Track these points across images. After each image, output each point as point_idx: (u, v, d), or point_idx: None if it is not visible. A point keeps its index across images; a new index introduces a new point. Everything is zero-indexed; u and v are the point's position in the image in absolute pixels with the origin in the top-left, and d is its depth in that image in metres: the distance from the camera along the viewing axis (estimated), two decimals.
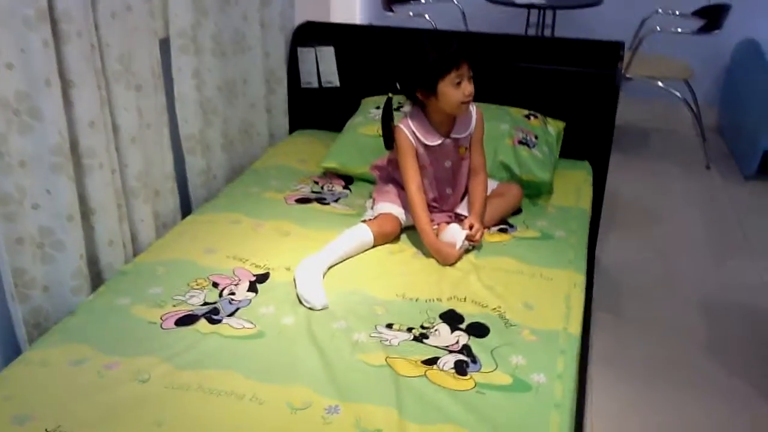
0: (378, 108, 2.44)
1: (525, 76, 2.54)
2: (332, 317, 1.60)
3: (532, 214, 2.14)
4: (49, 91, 1.50)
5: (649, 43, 3.63)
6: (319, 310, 1.63)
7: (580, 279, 1.81)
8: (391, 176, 2.12)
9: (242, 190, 2.25)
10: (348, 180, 2.34)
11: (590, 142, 2.50)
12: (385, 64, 2.66)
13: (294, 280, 1.73)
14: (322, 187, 2.28)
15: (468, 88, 1.90)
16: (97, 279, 1.81)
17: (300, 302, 1.66)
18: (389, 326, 1.58)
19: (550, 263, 1.86)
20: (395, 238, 1.98)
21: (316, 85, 2.77)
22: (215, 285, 1.72)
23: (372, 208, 2.09)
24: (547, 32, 3.94)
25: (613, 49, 2.45)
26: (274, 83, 2.66)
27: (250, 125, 2.57)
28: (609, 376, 2.19)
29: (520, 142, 2.25)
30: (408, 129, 2.00)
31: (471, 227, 1.91)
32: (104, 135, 1.71)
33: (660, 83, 3.65)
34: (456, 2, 4.18)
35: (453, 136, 2.03)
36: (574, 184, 2.34)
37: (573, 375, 1.45)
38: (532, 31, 3.99)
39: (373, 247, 1.92)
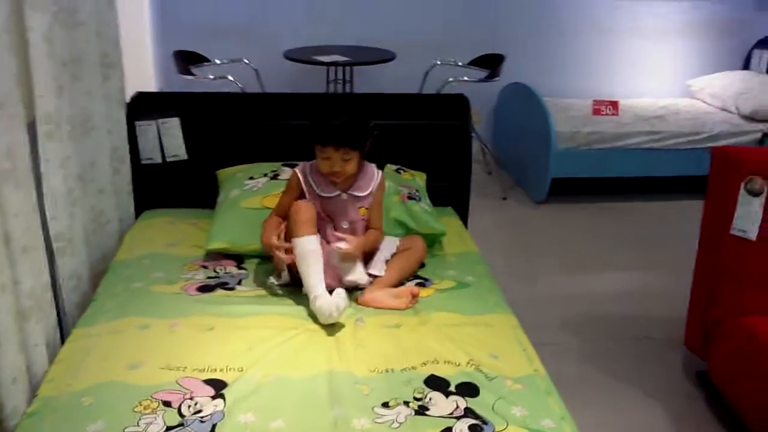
0: (252, 179, 2.32)
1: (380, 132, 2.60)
2: (324, 405, 1.48)
3: (435, 265, 2.20)
4: None
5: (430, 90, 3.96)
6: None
7: (515, 320, 1.90)
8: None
9: (124, 288, 1.96)
10: (238, 259, 2.17)
11: (450, 189, 2.64)
12: (236, 133, 2.54)
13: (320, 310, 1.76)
14: (215, 271, 2.09)
15: (333, 166, 1.94)
16: None
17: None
18: (386, 405, 1.50)
19: (481, 310, 1.92)
20: None
21: (158, 160, 2.53)
22: (167, 404, 1.48)
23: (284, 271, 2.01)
24: (347, 88, 4.08)
25: (461, 102, 2.63)
26: (118, 162, 2.38)
27: (100, 213, 2.25)
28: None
29: (409, 197, 2.30)
30: (302, 173, 2.04)
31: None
32: None
33: None
34: (247, 61, 4.13)
35: (352, 192, 2.02)
36: (452, 231, 2.44)
37: (569, 413, 1.52)
38: (332, 88, 4.10)
39: None
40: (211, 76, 3.75)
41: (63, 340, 1.75)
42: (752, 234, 2.06)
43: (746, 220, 2.07)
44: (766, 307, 2.06)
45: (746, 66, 4.83)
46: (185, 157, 2.54)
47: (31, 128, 1.70)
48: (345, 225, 2.03)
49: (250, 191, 2.26)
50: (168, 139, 2.51)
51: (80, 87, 2.05)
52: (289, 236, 1.94)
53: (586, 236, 3.67)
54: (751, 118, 4.20)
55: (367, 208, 2.07)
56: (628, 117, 4.20)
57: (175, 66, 3.75)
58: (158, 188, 2.56)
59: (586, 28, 4.67)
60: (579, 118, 4.13)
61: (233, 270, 2.10)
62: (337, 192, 2.02)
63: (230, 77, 3.73)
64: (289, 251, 1.89)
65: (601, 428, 2.20)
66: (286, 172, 2.33)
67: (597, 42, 4.71)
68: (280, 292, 1.98)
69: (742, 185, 2.06)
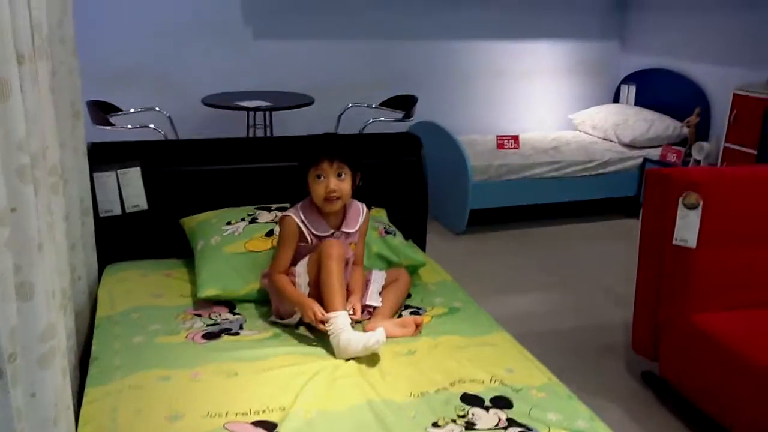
0: (229, 224, 2.32)
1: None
2: None
3: (420, 294, 2.30)
4: None
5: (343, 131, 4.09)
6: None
7: (511, 338, 2.04)
8: None
9: (124, 343, 1.89)
10: (230, 305, 2.15)
11: (408, 222, 2.76)
12: (194, 180, 2.52)
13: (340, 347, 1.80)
14: (210, 318, 2.06)
15: (329, 184, 2.01)
16: None
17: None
18: (435, 425, 1.57)
19: (480, 332, 2.05)
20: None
21: (118, 212, 2.45)
22: None
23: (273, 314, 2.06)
24: (268, 132, 4.11)
25: (413, 140, 2.78)
26: (83, 215, 2.28)
27: (72, 270, 2.15)
28: None
29: (386, 232, 2.39)
30: (297, 217, 2.07)
31: (354, 311, 1.98)
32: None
33: None
34: (159, 109, 4.06)
35: (343, 230, 2.10)
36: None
37: (594, 415, 1.67)
38: (252, 132, 4.11)
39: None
40: (129, 126, 3.66)
41: None
42: (692, 243, 2.35)
43: (686, 231, 2.36)
44: (712, 305, 2.36)
45: (616, 99, 5.40)
46: (146, 207, 2.48)
47: None
48: None
49: (232, 236, 2.26)
50: (128, 188, 2.44)
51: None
52: (313, 280, 1.98)
53: (506, 261, 3.92)
54: (631, 145, 4.70)
55: (356, 244, 2.16)
56: (529, 150, 4.56)
57: (90, 117, 3.61)
58: (119, 241, 2.47)
59: (482, 71, 5.03)
60: (486, 152, 4.43)
61: (229, 316, 2.08)
62: (331, 231, 2.08)
63: (151, 125, 3.66)
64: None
65: None
66: (263, 215, 2.35)
67: (492, 83, 5.09)
68: (286, 332, 2.00)
69: (680, 200, 2.36)
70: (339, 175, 2.03)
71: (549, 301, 3.45)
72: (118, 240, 2.47)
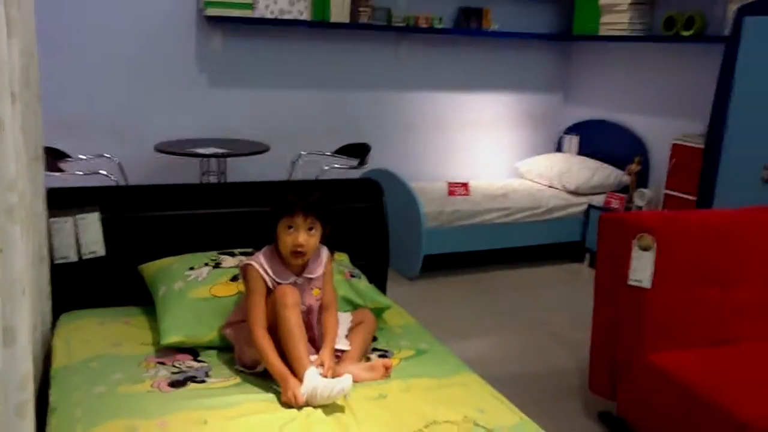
0: (192, 269, 2.28)
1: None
2: None
3: (386, 337, 2.30)
4: None
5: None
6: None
7: (480, 379, 2.06)
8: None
9: (85, 394, 1.82)
10: (193, 352, 2.10)
11: (369, 267, 2.77)
12: (154, 228, 2.48)
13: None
14: (174, 366, 2.00)
15: (298, 238, 1.99)
16: None
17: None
18: None
19: (449, 373, 2.06)
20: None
21: (74, 258, 2.38)
22: None
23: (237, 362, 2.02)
24: (222, 179, 4.08)
25: (374, 187, 2.82)
26: (39, 262, 2.20)
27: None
28: None
29: (352, 276, 2.40)
30: (259, 265, 2.03)
31: (322, 364, 1.92)
32: None
33: None
34: (109, 156, 3.99)
35: (305, 275, 2.09)
36: None
37: None
38: (205, 180, 4.08)
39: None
40: (80, 172, 3.58)
41: None
42: (647, 283, 2.44)
43: (641, 272, 2.45)
44: (667, 344, 2.43)
45: (559, 149, 5.60)
46: (103, 253, 2.42)
47: None
48: (303, 308, 2.05)
49: (195, 282, 2.22)
50: (85, 234, 2.38)
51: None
52: (270, 327, 1.95)
53: (460, 306, 3.95)
54: (575, 192, 4.87)
55: (320, 288, 2.14)
56: (479, 196, 4.66)
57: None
58: (73, 288, 2.40)
59: (432, 120, 5.15)
60: (438, 199, 4.51)
61: (194, 363, 2.03)
62: (293, 278, 2.06)
63: (103, 171, 3.59)
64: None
65: None
66: (227, 260, 2.33)
67: (442, 131, 5.21)
68: (253, 379, 1.96)
69: (635, 242, 2.45)
70: (310, 228, 2.02)
71: (503, 345, 3.49)
72: (73, 287, 2.40)
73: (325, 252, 2.18)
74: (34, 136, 1.97)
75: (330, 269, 2.19)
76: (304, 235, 2.01)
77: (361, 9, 4.55)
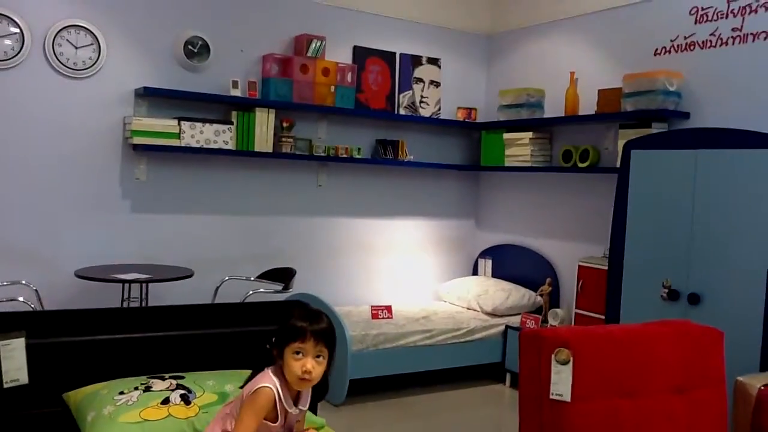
0: (122, 393, 2.24)
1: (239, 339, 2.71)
2: None
3: None
4: None
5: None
6: None
7: None
8: None
9: None
10: None
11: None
12: (79, 353, 2.43)
13: None
14: None
15: (306, 364, 1.96)
16: None
17: None
18: None
19: None
20: None
21: None
22: None
23: None
24: (143, 304, 4.02)
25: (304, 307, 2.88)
26: None
27: None
28: None
29: None
30: (276, 390, 1.98)
31: None
32: None
33: None
34: (26, 282, 3.89)
35: (300, 407, 2.09)
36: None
37: None
38: (126, 305, 4.01)
39: None
40: None
41: None
42: (567, 397, 2.56)
43: (560, 386, 2.58)
44: None
45: (475, 272, 5.85)
46: (26, 381, 2.34)
47: None
48: None
49: (126, 405, 2.17)
50: (9, 361, 2.31)
51: None
52: None
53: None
54: (492, 314, 5.06)
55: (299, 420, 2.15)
56: (401, 319, 4.77)
57: None
58: None
59: (353, 245, 5.32)
60: (362, 322, 4.58)
61: None
62: (294, 409, 2.05)
63: (21, 298, 3.50)
64: None
65: None
66: (157, 384, 2.30)
67: (363, 256, 5.37)
68: None
69: (553, 357, 2.60)
70: (318, 356, 2.00)
71: None
72: None
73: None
74: None
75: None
76: (312, 362, 1.97)
77: (283, 140, 4.78)
